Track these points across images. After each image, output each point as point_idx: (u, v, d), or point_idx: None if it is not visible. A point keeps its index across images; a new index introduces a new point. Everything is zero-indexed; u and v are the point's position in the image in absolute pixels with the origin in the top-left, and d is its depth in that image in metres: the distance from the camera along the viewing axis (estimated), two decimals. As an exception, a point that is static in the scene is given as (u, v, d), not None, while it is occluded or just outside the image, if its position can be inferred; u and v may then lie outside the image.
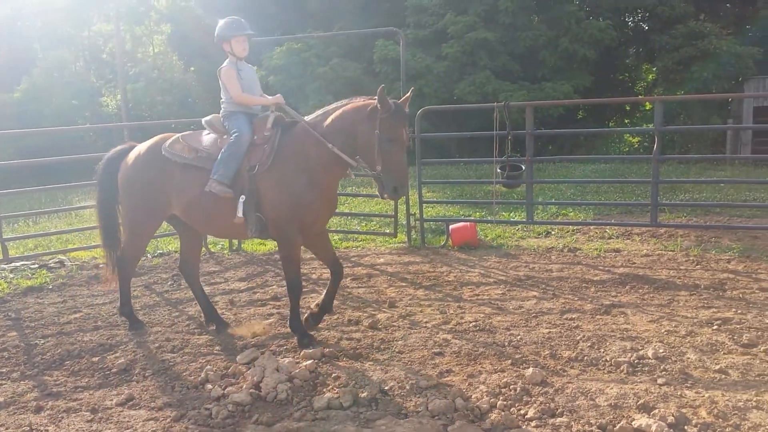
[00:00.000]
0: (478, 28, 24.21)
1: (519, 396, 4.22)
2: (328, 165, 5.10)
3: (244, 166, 5.21)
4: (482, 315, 6.04)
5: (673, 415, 3.84)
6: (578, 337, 5.33)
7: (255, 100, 5.60)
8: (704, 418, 3.87)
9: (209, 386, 4.58)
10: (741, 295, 6.42)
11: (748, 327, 5.45)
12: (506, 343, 5.27)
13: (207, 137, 5.60)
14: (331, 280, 5.66)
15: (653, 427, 3.68)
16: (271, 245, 9.79)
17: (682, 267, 7.69)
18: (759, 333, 5.28)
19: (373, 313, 6.17)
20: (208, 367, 4.90)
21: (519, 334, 5.46)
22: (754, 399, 4.10)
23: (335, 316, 6.11)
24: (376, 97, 4.77)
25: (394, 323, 5.88)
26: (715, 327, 5.47)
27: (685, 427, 3.77)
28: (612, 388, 4.31)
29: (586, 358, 4.89)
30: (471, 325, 5.73)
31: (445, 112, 22.92)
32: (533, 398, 4.21)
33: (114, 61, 31.55)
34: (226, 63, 5.64)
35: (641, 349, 4.99)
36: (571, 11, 25.03)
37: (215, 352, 5.35)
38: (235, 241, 9.58)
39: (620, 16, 27.91)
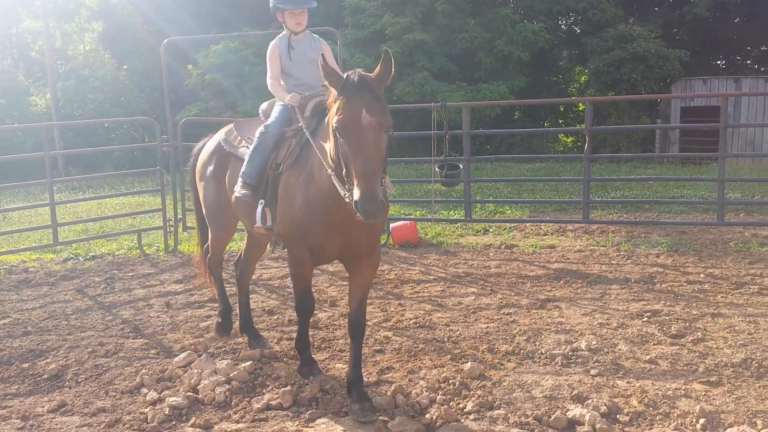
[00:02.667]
0: (416, 29, 24.40)
1: (458, 390, 4.28)
2: (330, 177, 3.82)
3: (270, 164, 4.40)
4: (422, 312, 6.10)
5: (605, 405, 3.96)
6: (515, 331, 5.44)
7: (278, 93, 4.71)
8: (635, 406, 4.01)
9: (145, 390, 4.47)
10: (669, 288, 6.67)
11: (676, 318, 5.67)
12: (446, 339, 5.32)
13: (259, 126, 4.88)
14: (349, 333, 4.35)
15: (587, 417, 3.79)
16: (208, 246, 9.61)
17: (613, 262, 7.94)
18: (687, 324, 5.50)
19: (314, 312, 6.13)
20: (144, 371, 4.78)
21: (458, 330, 5.53)
22: (683, 387, 4.27)
23: (275, 317, 6.06)
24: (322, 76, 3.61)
25: (335, 322, 5.87)
26: (645, 319, 5.67)
27: (617, 416, 3.89)
28: (547, 380, 4.42)
29: (522, 351, 5.00)
30: (411, 322, 5.78)
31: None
32: (472, 392, 4.28)
33: (43, 59, 30.41)
34: (276, 38, 4.88)
35: (575, 342, 5.13)
36: (505, 14, 25.53)
37: (151, 355, 5.22)
38: (171, 242, 9.37)
39: (553, 20, 28.64)
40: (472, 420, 3.92)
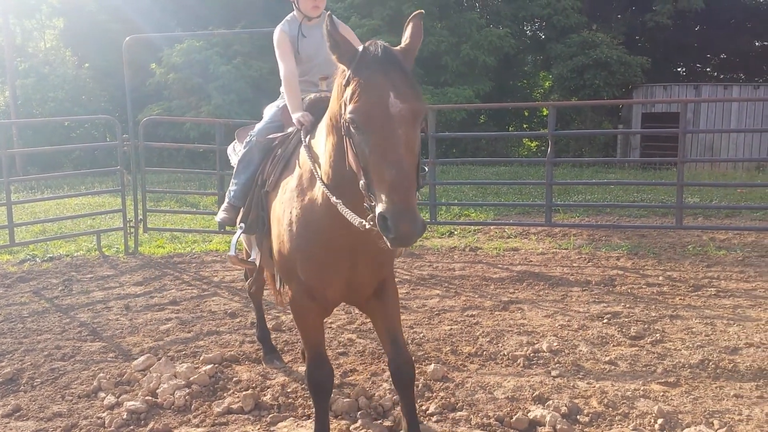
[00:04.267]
0: (383, 32, 24.40)
1: (421, 392, 4.28)
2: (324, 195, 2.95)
3: (257, 180, 3.60)
4: (386, 314, 6.08)
5: (566, 406, 4.00)
6: (478, 333, 5.47)
7: (290, 100, 3.62)
8: (595, 407, 4.06)
9: (102, 394, 4.38)
10: (629, 291, 6.78)
11: (635, 320, 5.76)
12: (409, 341, 5.32)
13: None
14: (394, 385, 3.50)
15: (547, 418, 3.82)
16: (170, 247, 9.50)
17: (575, 264, 8.04)
18: (646, 326, 5.59)
19: (277, 315, 6.09)
20: (101, 374, 4.68)
21: (422, 332, 5.54)
22: (642, 388, 4.34)
23: (237, 320, 5.99)
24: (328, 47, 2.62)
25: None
26: (605, 321, 5.75)
27: (578, 417, 3.94)
28: (509, 381, 4.45)
29: (485, 352, 5.02)
30: (375, 324, 5.76)
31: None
32: (434, 394, 4.28)
33: (2, 56, 29.67)
34: (281, 23, 3.94)
35: (537, 343, 5.18)
36: (471, 18, 25.72)
37: (109, 359, 5.11)
38: (131, 244, 9.20)
39: (519, 25, 28.95)
40: (434, 422, 3.92)
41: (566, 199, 13.39)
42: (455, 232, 10.29)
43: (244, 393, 4.23)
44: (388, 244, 2.39)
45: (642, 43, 31.55)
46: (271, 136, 3.65)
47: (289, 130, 3.51)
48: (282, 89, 3.87)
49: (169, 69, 23.60)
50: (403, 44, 2.64)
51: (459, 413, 4.00)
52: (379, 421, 3.94)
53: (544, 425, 3.80)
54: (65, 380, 4.68)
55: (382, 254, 3.06)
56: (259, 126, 3.85)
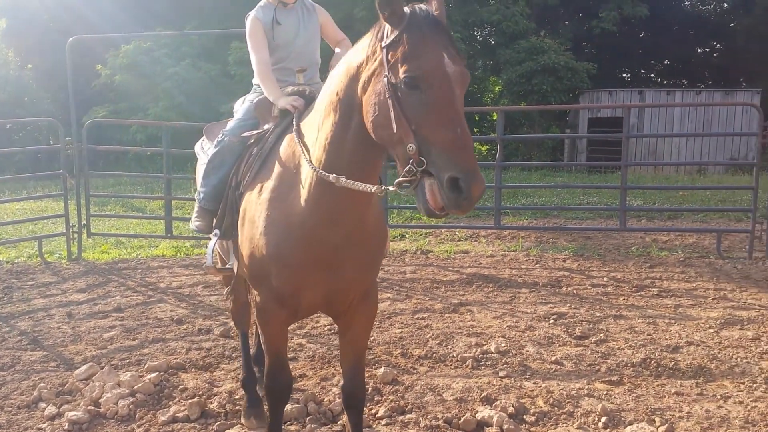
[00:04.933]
0: (335, 35, 24.37)
1: (371, 396, 4.27)
2: (317, 187, 2.73)
3: (230, 182, 3.35)
4: (336, 318, 6.06)
5: (513, 406, 4.05)
6: (428, 336, 5.50)
7: (269, 90, 3.41)
8: (541, 407, 4.13)
9: (43, 405, 4.23)
10: (575, 291, 6.92)
11: (580, 320, 5.88)
12: (359, 345, 5.31)
13: None
14: (344, 406, 3.44)
15: (495, 418, 3.86)
16: (115, 253, 9.28)
17: (523, 266, 8.17)
18: (590, 326, 5.71)
19: (225, 321, 6.00)
20: (42, 384, 4.52)
21: (372, 335, 5.53)
22: (586, 387, 4.43)
23: (184, 326, 5.88)
24: (376, 4, 2.39)
25: (250, 328, 5.75)
26: (551, 321, 5.86)
27: (524, 417, 3.99)
28: (458, 383, 4.49)
29: (434, 355, 5.05)
30: (326, 328, 5.73)
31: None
32: (384, 397, 4.29)
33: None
34: (253, 10, 3.64)
35: (485, 345, 5.24)
36: (423, 22, 25.92)
37: (50, 368, 4.95)
38: (75, 249, 8.95)
39: (469, 30, 29.30)
40: (384, 425, 3.93)
41: (515, 202, 13.60)
42: (406, 236, 10.33)
43: (190, 401, 4.15)
44: (451, 207, 2.25)
45: (588, 49, 32.36)
46: (245, 134, 3.42)
47: (266, 127, 3.33)
48: (255, 81, 3.68)
49: (116, 70, 23.10)
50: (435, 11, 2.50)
51: (408, 416, 4.00)
52: (329, 426, 3.92)
53: (492, 425, 3.84)
54: (4, 391, 4.51)
55: (371, 254, 2.99)
56: (231, 124, 3.58)
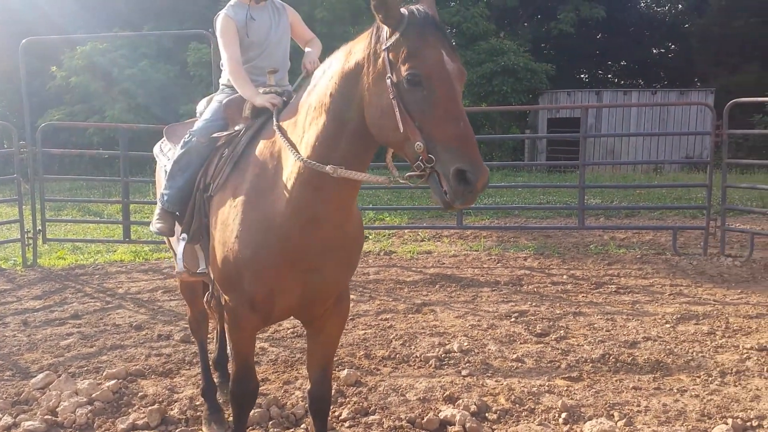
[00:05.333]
0: (296, 35, 24.27)
1: (334, 398, 4.25)
2: (301, 187, 2.71)
3: (198, 185, 3.24)
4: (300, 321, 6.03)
5: (475, 404, 4.09)
6: (391, 336, 5.51)
7: (243, 88, 3.35)
8: (503, 404, 4.17)
9: (-4, 416, 4.12)
10: (535, 289, 7.01)
11: (541, 318, 5.96)
12: (322, 348, 5.29)
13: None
14: (311, 411, 3.36)
15: (457, 417, 3.89)
16: (72, 258, 9.08)
17: (485, 265, 8.25)
18: (551, 323, 5.79)
19: (185, 326, 5.91)
20: (-5, 395, 4.41)
21: (335, 338, 5.52)
22: (547, 384, 4.49)
23: (143, 332, 5.78)
24: (372, 6, 2.43)
25: (209, 335, 5.68)
26: (512, 319, 5.92)
27: (486, 414, 4.03)
28: (421, 383, 4.50)
29: (398, 355, 5.07)
30: (289, 331, 5.70)
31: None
32: (347, 399, 4.28)
33: None
34: (224, 9, 3.57)
35: (448, 344, 5.27)
36: (384, 24, 25.99)
37: (5, 378, 4.82)
38: (30, 255, 8.73)
39: (430, 31, 29.43)
40: (347, 427, 3.92)
41: (477, 202, 13.69)
42: (370, 237, 10.33)
43: (149, 408, 4.09)
44: (458, 199, 2.31)
45: (547, 51, 32.84)
46: (215, 135, 3.31)
47: (236, 128, 3.24)
48: (223, 81, 3.63)
49: (71, 72, 22.58)
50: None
51: (371, 417, 4.01)
52: (291, 430, 3.90)
53: (454, 424, 3.86)
54: (-46, 403, 4.38)
55: (351, 257, 2.99)
56: (199, 124, 3.47)
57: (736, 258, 8.31)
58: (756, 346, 5.11)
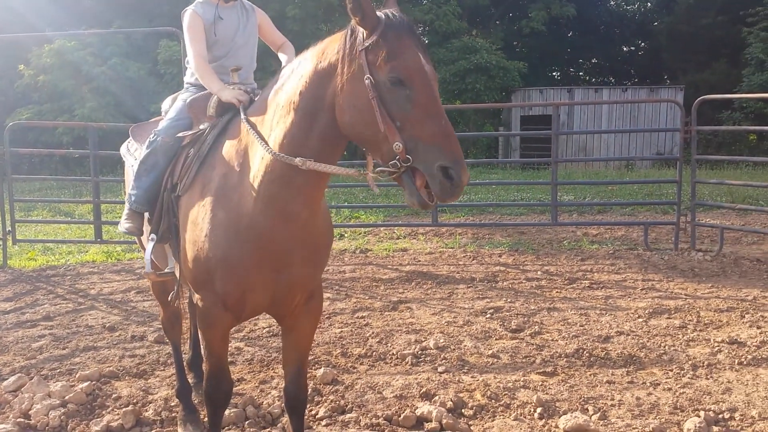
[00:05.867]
0: (268, 33, 24.11)
1: (310, 397, 4.25)
2: (269, 183, 2.73)
3: (165, 184, 3.23)
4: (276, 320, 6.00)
5: (451, 400, 4.11)
6: (368, 334, 5.51)
7: (210, 83, 3.34)
8: (479, 400, 4.19)
9: (-35, 421, 4.04)
10: (510, 286, 7.07)
11: (516, 314, 6.00)
12: (299, 346, 5.28)
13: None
14: (287, 409, 3.35)
15: (434, 413, 3.90)
16: (43, 259, 8.93)
17: (460, 262, 8.28)
18: (525, 319, 5.84)
19: (159, 327, 5.85)
20: (-36, 400, 4.32)
21: (311, 336, 5.51)
22: (522, 379, 4.53)
23: (117, 333, 5.71)
24: (348, 9, 2.48)
25: (184, 335, 5.63)
26: (488, 315, 5.96)
27: (462, 410, 4.05)
28: (398, 380, 4.51)
29: (374, 353, 5.07)
30: (265, 331, 5.68)
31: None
32: (324, 397, 4.28)
33: None
34: (192, 5, 3.55)
35: (424, 341, 5.28)
36: (357, 22, 25.96)
37: (-26, 382, 4.73)
38: (0, 257, 8.58)
39: (403, 29, 29.47)
40: (324, 426, 3.91)
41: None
42: (345, 235, 10.32)
43: (124, 410, 4.04)
44: (442, 195, 2.35)
45: (519, 49, 33.06)
46: (180, 134, 3.31)
47: (201, 127, 3.22)
48: (188, 80, 3.61)
49: (39, 71, 22.21)
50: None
51: (348, 415, 4.00)
52: (268, 430, 3.89)
53: (431, 421, 3.87)
54: None
55: (320, 253, 3.02)
56: (163, 123, 3.43)
57: (706, 252, 8.45)
58: (727, 340, 5.21)
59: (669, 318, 5.85)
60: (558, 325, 5.70)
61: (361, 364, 4.90)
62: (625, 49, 37.92)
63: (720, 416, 3.92)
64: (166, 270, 3.37)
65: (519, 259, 8.39)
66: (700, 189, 10.86)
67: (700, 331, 5.49)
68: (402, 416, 3.92)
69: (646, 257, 8.34)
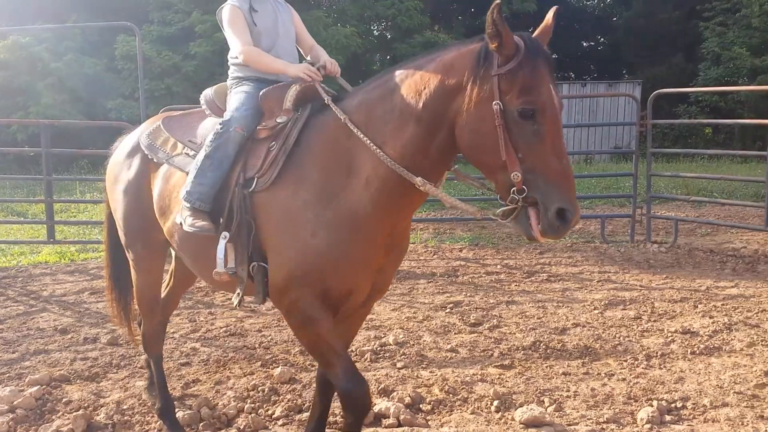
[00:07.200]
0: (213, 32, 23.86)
1: (267, 396, 4.21)
2: (385, 187, 2.71)
3: (233, 178, 3.02)
4: (234, 319, 5.94)
5: (409, 396, 4.10)
6: (327, 332, 5.47)
7: (271, 63, 3.25)
8: (437, 395, 4.20)
9: None
10: (470, 280, 7.10)
11: (475, 308, 6.03)
12: (257, 345, 5.22)
13: (206, 122, 3.44)
14: (315, 393, 3.44)
15: (391, 409, 3.90)
16: (7, 261, 8.69)
17: (422, 258, 8.30)
18: (484, 312, 5.87)
19: (113, 328, 5.73)
20: None
21: (270, 335, 5.46)
22: (480, 373, 4.55)
23: (69, 336, 5.57)
24: (486, 34, 2.45)
25: (138, 337, 5.52)
26: (448, 310, 5.98)
27: (420, 406, 4.05)
28: (356, 378, 4.48)
29: (333, 351, 5.03)
30: (222, 330, 5.60)
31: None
32: (281, 396, 4.23)
33: None
34: (228, 2, 3.42)
35: (384, 337, 5.27)
36: (318, 17, 25.75)
37: None
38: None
39: (365, 24, 29.40)
40: (280, 425, 3.87)
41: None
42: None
43: (74, 414, 3.94)
44: (549, 233, 2.41)
45: (481, 44, 33.17)
46: (260, 126, 3.10)
47: (278, 120, 3.03)
48: (238, 73, 3.38)
49: (-8, 66, 21.57)
50: (536, 33, 2.59)
51: (306, 414, 3.94)
52: (223, 431, 3.83)
53: (389, 417, 3.86)
54: None
55: (404, 254, 3.15)
56: (233, 113, 3.16)
57: (661, 244, 8.61)
58: (680, 330, 5.31)
59: (624, 309, 5.94)
60: (516, 318, 5.74)
61: (319, 361, 4.86)
62: (585, 44, 38.38)
63: (673, 405, 3.99)
64: (225, 269, 3.01)
65: (479, 254, 8.44)
66: (655, 182, 11.05)
67: (654, 321, 5.59)
68: (359, 413, 3.90)
69: (602, 250, 8.46)
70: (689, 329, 5.33)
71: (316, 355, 3.05)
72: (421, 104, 2.61)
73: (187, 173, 3.15)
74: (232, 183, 2.99)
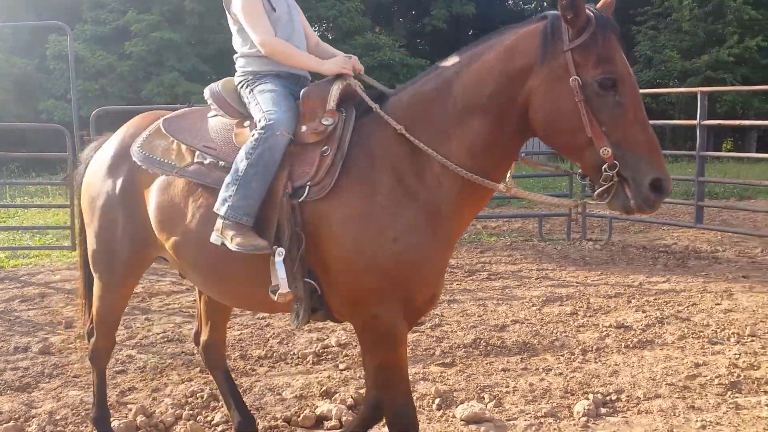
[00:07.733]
0: (164, 28, 23.38)
1: (206, 402, 4.14)
2: (467, 197, 2.66)
3: (278, 187, 2.71)
4: (172, 325, 5.82)
5: (352, 397, 4.10)
6: (269, 335, 5.43)
7: (300, 57, 2.98)
8: (379, 395, 4.20)
9: None
10: (412, 280, 7.14)
11: (417, 307, 6.07)
12: (195, 351, 5.08)
13: (214, 123, 3.06)
14: (363, 409, 3.28)
15: (333, 411, 3.89)
16: None
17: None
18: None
19: (45, 336, 5.55)
20: None
21: (210, 340, 5.36)
22: (422, 371, 4.58)
23: (-2, 345, 5.36)
24: (556, 12, 2.44)
25: (71, 345, 5.36)
26: (390, 311, 5.99)
27: (361, 407, 4.04)
28: (298, 380, 4.47)
29: (275, 354, 4.99)
30: (159, 336, 5.48)
31: (131, 113, 21.72)
32: (221, 402, 4.14)
33: None
34: None
35: (326, 339, 5.25)
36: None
37: None
38: None
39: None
40: (220, 431, 3.81)
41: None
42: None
43: (5, 426, 3.79)
44: (643, 207, 2.34)
45: (422, 46, 33.55)
46: (304, 129, 2.80)
47: (325, 122, 2.75)
48: (251, 68, 3.06)
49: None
50: (600, 3, 2.54)
51: (246, 419, 3.92)
52: (161, 438, 3.75)
53: (331, 419, 3.85)
54: None
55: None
56: (274, 116, 2.79)
57: (596, 242, 8.87)
58: (614, 324, 5.47)
59: (561, 305, 6.08)
60: (457, 316, 5.81)
61: (260, 365, 4.81)
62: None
63: (608, 398, 4.10)
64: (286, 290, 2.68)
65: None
66: (591, 181, 11.34)
67: (590, 316, 5.75)
68: (301, 416, 3.88)
69: (540, 248, 8.65)
70: (623, 324, 5.50)
71: (383, 375, 2.79)
72: (487, 95, 2.53)
73: (205, 185, 2.86)
74: (279, 193, 2.70)
